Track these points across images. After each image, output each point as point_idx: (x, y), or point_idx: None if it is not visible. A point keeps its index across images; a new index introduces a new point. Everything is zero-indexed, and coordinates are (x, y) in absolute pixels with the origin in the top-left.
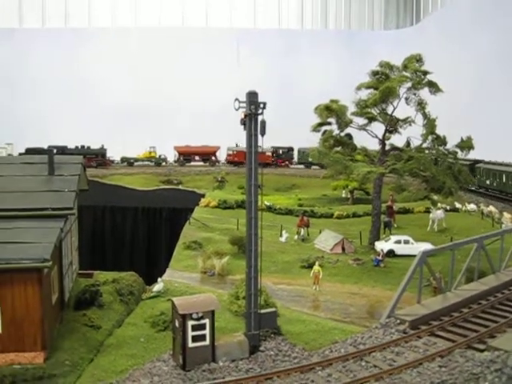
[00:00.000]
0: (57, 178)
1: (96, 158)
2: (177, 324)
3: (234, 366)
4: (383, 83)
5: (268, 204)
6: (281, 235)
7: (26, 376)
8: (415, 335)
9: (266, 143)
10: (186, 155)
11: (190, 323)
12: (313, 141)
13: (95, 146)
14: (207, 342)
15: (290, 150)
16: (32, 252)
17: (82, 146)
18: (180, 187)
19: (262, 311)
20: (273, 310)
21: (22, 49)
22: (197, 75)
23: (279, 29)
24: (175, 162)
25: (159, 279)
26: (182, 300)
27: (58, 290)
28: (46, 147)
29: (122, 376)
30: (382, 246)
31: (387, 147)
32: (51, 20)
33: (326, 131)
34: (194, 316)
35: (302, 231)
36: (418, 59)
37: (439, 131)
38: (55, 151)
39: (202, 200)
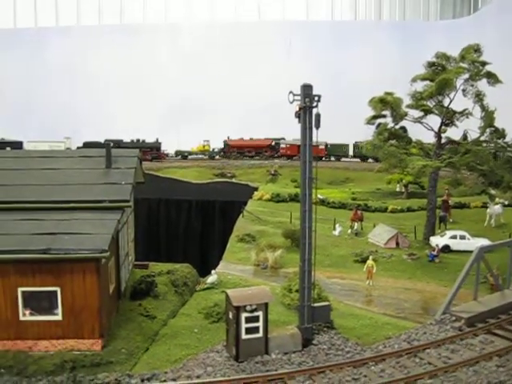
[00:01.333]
0: (114, 171)
1: (151, 151)
2: (231, 316)
3: (287, 359)
4: (439, 75)
5: (321, 197)
6: (334, 229)
7: (84, 362)
8: (471, 333)
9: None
10: (239, 149)
11: (244, 315)
12: (367, 134)
13: (150, 139)
14: (260, 334)
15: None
16: (90, 243)
17: (138, 140)
18: (233, 180)
19: (316, 305)
20: (326, 303)
21: (79, 46)
22: (249, 69)
23: (332, 21)
24: (223, 154)
25: (213, 271)
26: (236, 292)
27: (115, 280)
28: (102, 141)
29: (176, 365)
30: (438, 241)
31: (443, 140)
32: (107, 16)
33: (380, 124)
34: (248, 308)
35: (356, 225)
36: (476, 49)
37: (498, 124)
38: (111, 145)
39: (256, 193)
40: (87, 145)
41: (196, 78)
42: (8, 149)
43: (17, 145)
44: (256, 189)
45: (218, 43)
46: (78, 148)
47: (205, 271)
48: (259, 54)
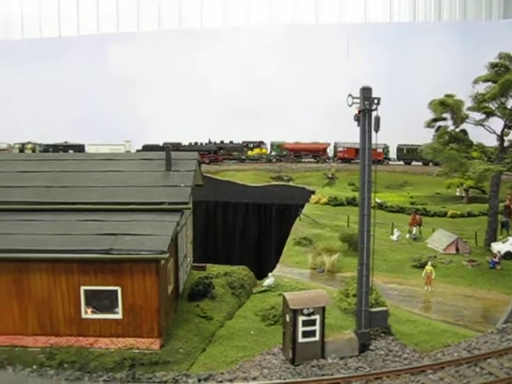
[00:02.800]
0: (173, 174)
1: (208, 154)
2: (287, 319)
3: (343, 364)
4: (503, 76)
5: (379, 201)
6: (392, 233)
7: (143, 360)
8: None
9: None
10: (295, 152)
11: (301, 318)
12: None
13: (208, 142)
14: (317, 337)
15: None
16: (150, 244)
17: (196, 143)
18: (290, 184)
19: (373, 310)
20: (384, 308)
21: (140, 51)
22: (306, 72)
23: (390, 22)
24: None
25: (270, 274)
26: (293, 295)
27: (174, 281)
28: (161, 144)
29: (232, 367)
30: (499, 247)
31: (506, 143)
32: (166, 22)
33: (440, 127)
34: (305, 311)
35: (414, 230)
36: None
37: None
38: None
39: (313, 196)
40: (146, 148)
41: (253, 82)
42: (71, 152)
43: (79, 148)
44: (313, 192)
45: (275, 46)
46: (138, 151)
47: (261, 274)
48: (316, 57)
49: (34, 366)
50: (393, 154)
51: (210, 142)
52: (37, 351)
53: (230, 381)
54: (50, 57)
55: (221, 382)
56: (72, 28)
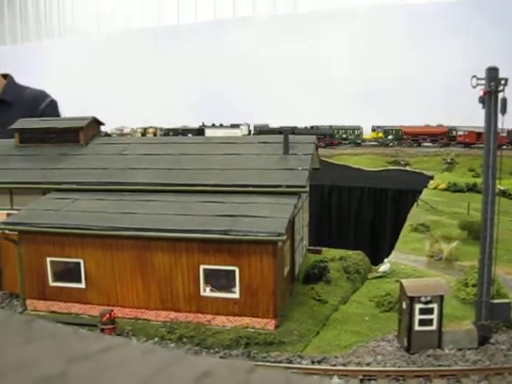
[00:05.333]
0: (291, 157)
1: (324, 138)
2: (404, 306)
3: (461, 355)
4: None
5: (502, 188)
6: None
7: (258, 340)
8: None
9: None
10: (413, 136)
11: (418, 306)
12: None
13: (324, 126)
14: (434, 327)
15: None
16: (267, 226)
17: (311, 127)
18: (407, 168)
19: (495, 301)
20: (506, 300)
21: (255, 36)
22: (424, 54)
23: None
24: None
25: (385, 260)
26: (410, 282)
27: (290, 263)
28: (276, 127)
29: (345, 351)
30: None
31: None
32: (281, 6)
33: None
34: (423, 299)
35: None
36: None
37: None
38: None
39: (431, 182)
40: (260, 130)
41: (367, 65)
42: (189, 135)
43: (198, 131)
44: (431, 177)
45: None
46: (254, 134)
47: (375, 259)
48: (434, 38)
49: (156, 339)
50: None
51: (330, 128)
52: (158, 325)
53: (344, 365)
54: (169, 44)
55: (334, 365)
56: (190, 15)
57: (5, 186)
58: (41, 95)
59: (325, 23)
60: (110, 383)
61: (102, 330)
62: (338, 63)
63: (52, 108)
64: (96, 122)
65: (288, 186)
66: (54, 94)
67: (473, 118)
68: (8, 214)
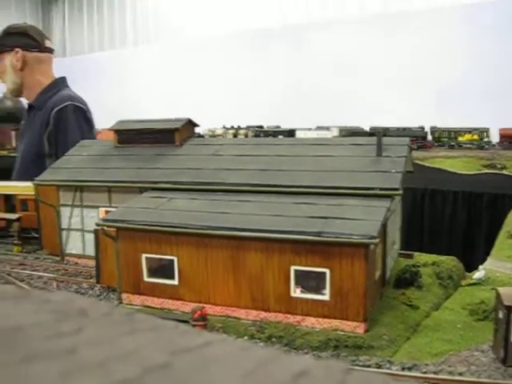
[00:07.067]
0: (384, 159)
1: (416, 140)
2: (500, 315)
3: None
4: None
5: None
6: None
7: (347, 343)
8: None
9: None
10: (510, 138)
11: None
12: None
13: (415, 127)
14: None
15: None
16: (360, 228)
17: (403, 128)
18: (504, 172)
19: None
20: None
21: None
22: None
23: None
24: (498, 144)
25: (480, 267)
26: (508, 290)
27: (381, 267)
28: (366, 129)
29: (437, 359)
30: None
31: None
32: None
33: None
34: None
35: None
36: None
37: None
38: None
39: None
40: (352, 133)
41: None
42: (280, 137)
43: (289, 133)
44: None
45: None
46: (343, 136)
47: (468, 265)
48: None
49: (245, 337)
50: None
51: (423, 129)
52: (248, 323)
53: (435, 373)
54: (257, 47)
55: (425, 372)
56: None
57: (104, 185)
58: (60, 100)
59: (416, 22)
60: (213, 376)
61: (194, 327)
62: (429, 63)
63: (64, 112)
64: (191, 124)
65: (381, 189)
66: (146, 96)
67: None
68: (107, 211)
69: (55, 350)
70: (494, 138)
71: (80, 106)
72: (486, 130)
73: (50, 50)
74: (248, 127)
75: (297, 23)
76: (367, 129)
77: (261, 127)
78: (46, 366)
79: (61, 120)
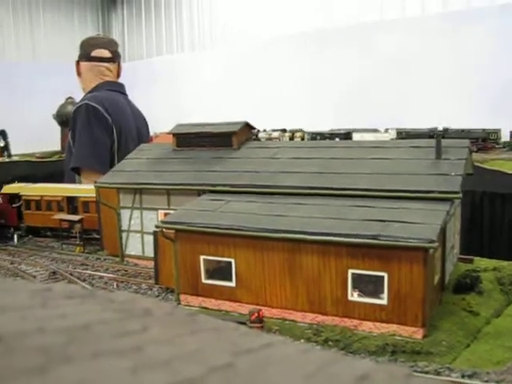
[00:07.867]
0: (444, 162)
1: (477, 141)
2: None
3: None
4: None
5: None
6: None
7: (405, 348)
8: None
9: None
10: None
11: None
12: None
13: (475, 129)
14: None
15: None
16: (419, 232)
17: (463, 130)
18: None
19: None
20: None
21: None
22: None
23: None
24: None
25: None
26: None
27: (440, 271)
28: (426, 130)
29: (498, 367)
30: None
31: None
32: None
33: None
34: None
35: None
36: None
37: None
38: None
39: None
40: (411, 135)
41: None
42: (337, 139)
43: (345, 135)
44: None
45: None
46: (400, 138)
47: None
48: None
49: (302, 340)
50: None
51: (484, 131)
52: (304, 326)
53: (497, 382)
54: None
55: (486, 381)
56: (337, 19)
57: (163, 188)
58: (80, 101)
59: (476, 21)
60: (275, 377)
61: (251, 329)
62: (488, 63)
63: (77, 112)
64: (248, 127)
65: (440, 192)
66: (206, 99)
67: None
68: (165, 214)
69: (122, 348)
70: None
71: (93, 106)
72: None
73: (96, 59)
74: (311, 133)
75: (359, 23)
76: (426, 130)
77: (320, 133)
78: (116, 362)
79: (74, 119)
